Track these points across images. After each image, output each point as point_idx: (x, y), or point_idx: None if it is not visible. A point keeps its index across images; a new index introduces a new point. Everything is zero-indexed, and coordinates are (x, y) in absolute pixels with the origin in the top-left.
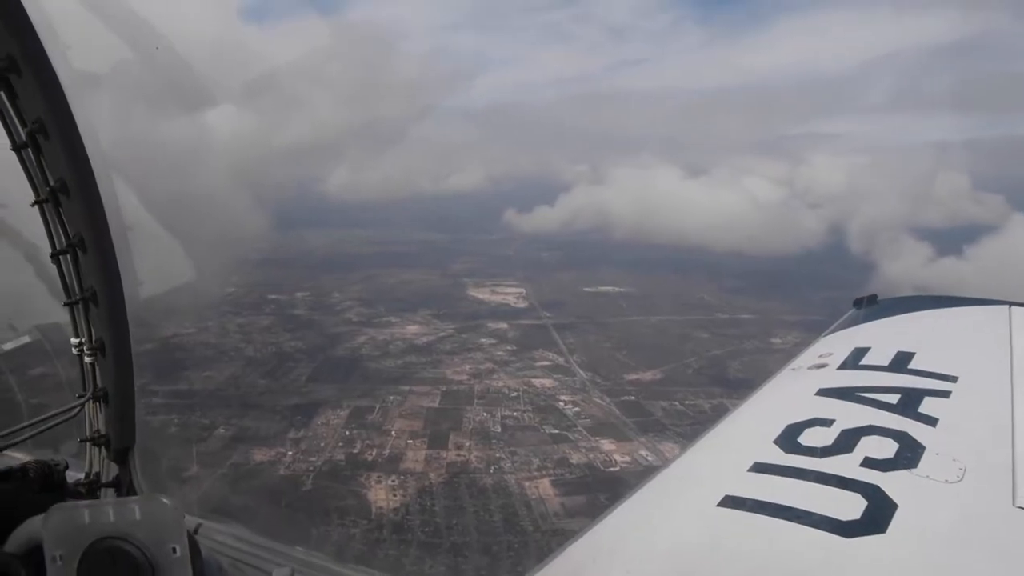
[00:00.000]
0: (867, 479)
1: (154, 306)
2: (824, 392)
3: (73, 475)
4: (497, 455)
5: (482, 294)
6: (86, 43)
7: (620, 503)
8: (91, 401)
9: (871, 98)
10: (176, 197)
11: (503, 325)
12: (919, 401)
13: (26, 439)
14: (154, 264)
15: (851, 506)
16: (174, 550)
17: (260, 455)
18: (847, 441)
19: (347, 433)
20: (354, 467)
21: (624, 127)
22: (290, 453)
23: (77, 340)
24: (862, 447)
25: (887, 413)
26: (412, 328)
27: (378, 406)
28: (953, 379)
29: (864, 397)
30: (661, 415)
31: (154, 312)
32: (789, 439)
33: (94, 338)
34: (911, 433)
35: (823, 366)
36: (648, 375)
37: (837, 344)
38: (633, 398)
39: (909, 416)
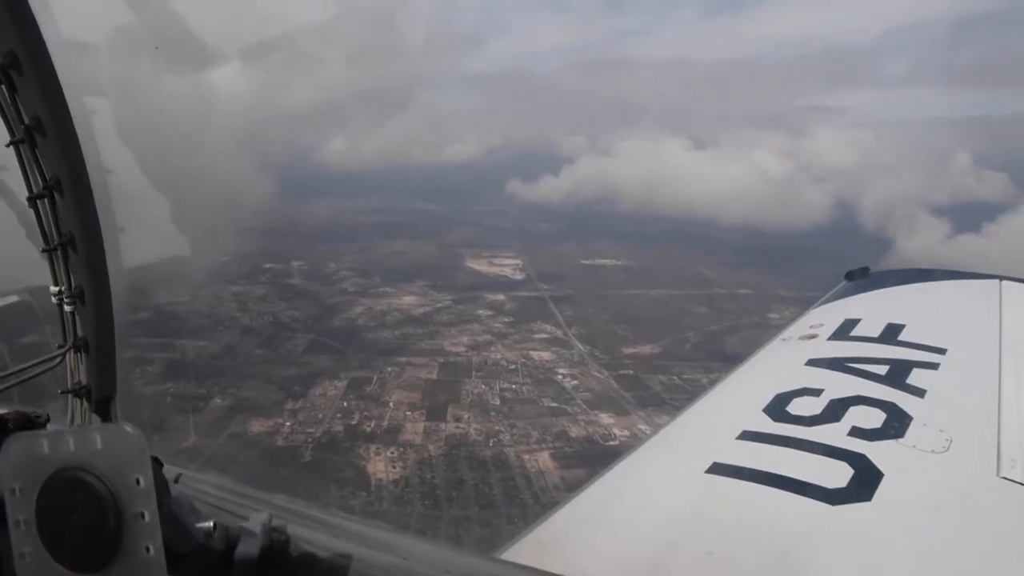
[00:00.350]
0: (854, 448)
1: (147, 275)
2: (814, 362)
3: (55, 427)
4: (496, 428)
5: (479, 265)
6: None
7: (609, 469)
8: (72, 351)
9: (879, 71)
10: (171, 160)
11: (500, 297)
12: (908, 372)
13: (6, 389)
14: (142, 222)
15: (838, 474)
16: (138, 481)
17: (258, 426)
18: (835, 411)
19: (345, 404)
20: (353, 438)
21: (628, 97)
22: (288, 424)
23: (56, 288)
24: (850, 417)
25: (876, 384)
26: (409, 299)
27: (376, 377)
28: (942, 351)
29: (853, 368)
30: (659, 389)
31: (148, 279)
32: (778, 408)
33: (73, 286)
34: (899, 404)
35: (813, 336)
36: (646, 349)
37: (828, 315)
38: (631, 372)
39: (897, 387)
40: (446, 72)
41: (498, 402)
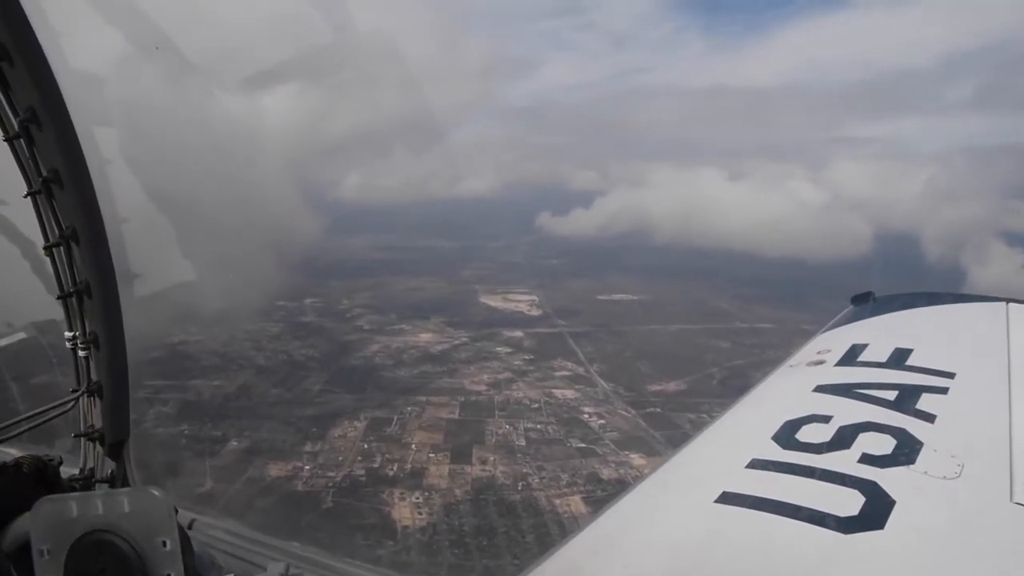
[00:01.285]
0: (865, 475)
1: (155, 304)
2: (822, 388)
3: (68, 471)
4: (524, 470)
5: (494, 301)
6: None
7: (618, 499)
8: (85, 395)
9: (935, 97)
10: (196, 197)
11: (518, 333)
12: (917, 397)
13: (20, 434)
14: (154, 260)
15: (849, 502)
16: (164, 543)
17: (276, 469)
18: (845, 437)
19: (365, 446)
20: (375, 482)
21: (657, 128)
22: (307, 467)
23: (71, 334)
24: (860, 443)
25: (885, 409)
26: (425, 336)
27: (396, 417)
28: (951, 376)
29: (862, 393)
30: (689, 428)
31: (163, 316)
32: (787, 435)
33: (88, 332)
34: (909, 430)
35: (821, 362)
36: (672, 386)
37: (835, 340)
38: (659, 410)
39: (907, 412)
40: (469, 106)
41: (524, 443)
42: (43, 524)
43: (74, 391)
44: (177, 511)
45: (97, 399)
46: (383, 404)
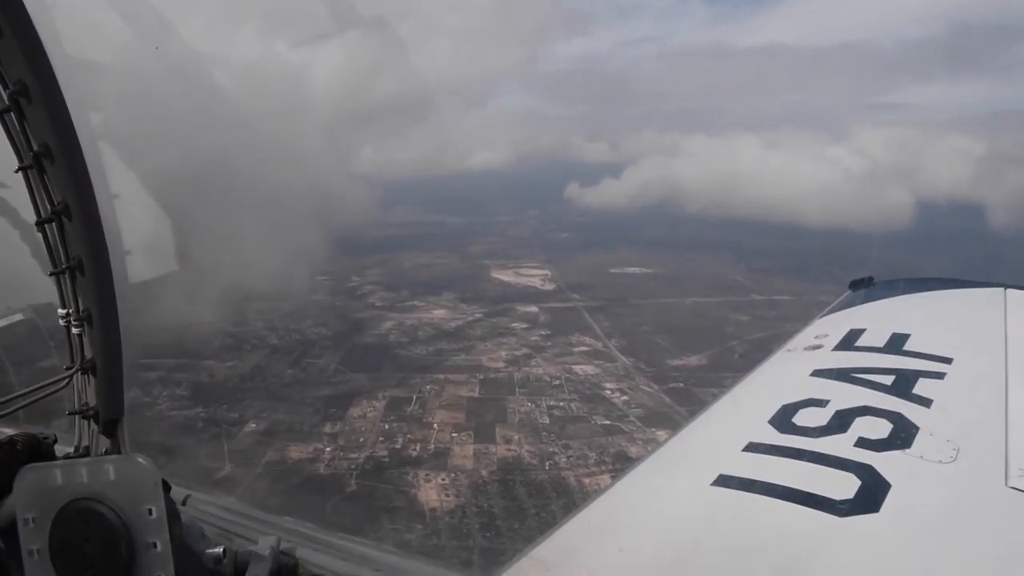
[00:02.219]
0: (861, 459)
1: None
2: (819, 373)
3: (62, 449)
4: (550, 449)
5: (506, 276)
6: None
7: (615, 482)
8: (79, 373)
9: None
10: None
11: (533, 308)
12: (914, 382)
13: (14, 411)
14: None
15: (845, 486)
16: (150, 511)
17: (296, 452)
18: (841, 421)
19: (386, 426)
20: (399, 464)
21: (694, 93)
22: (328, 449)
23: (64, 311)
24: (856, 427)
25: (882, 394)
26: (439, 312)
27: (415, 396)
28: (948, 361)
29: (859, 378)
30: None
31: (170, 297)
32: (784, 419)
33: (81, 309)
34: (905, 414)
35: (818, 347)
36: (693, 360)
37: (833, 325)
38: (682, 385)
39: (903, 397)
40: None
41: (547, 421)
42: (28, 492)
43: (68, 368)
44: (170, 487)
45: (91, 377)
46: (401, 383)
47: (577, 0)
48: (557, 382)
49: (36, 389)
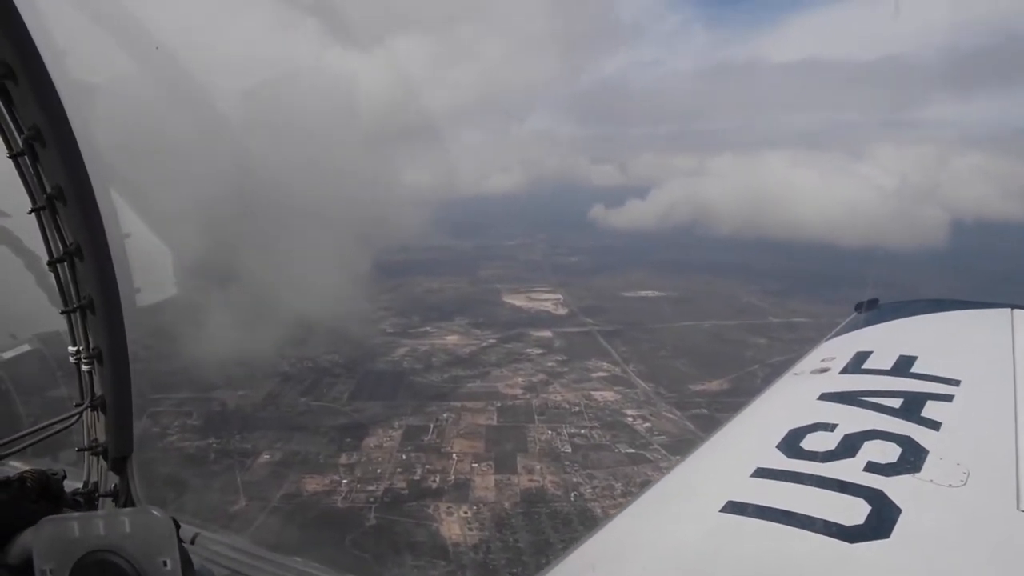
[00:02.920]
0: (870, 484)
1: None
2: (826, 396)
3: (71, 484)
4: (574, 479)
5: (518, 301)
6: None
7: (622, 509)
8: (89, 410)
9: None
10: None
11: (547, 333)
12: (922, 405)
13: (24, 448)
14: (152, 274)
15: (855, 511)
16: (165, 563)
17: (312, 484)
18: (850, 445)
19: (404, 457)
20: (419, 496)
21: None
22: (345, 481)
23: (75, 348)
24: (865, 451)
25: (890, 417)
26: (452, 338)
27: (432, 425)
28: (956, 383)
29: (867, 401)
30: None
31: (174, 325)
32: (792, 444)
33: (91, 346)
34: (914, 437)
35: (825, 370)
36: (714, 385)
37: (839, 348)
38: (705, 411)
39: (912, 420)
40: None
41: (569, 449)
42: (46, 544)
43: (77, 405)
44: (180, 526)
45: (100, 413)
46: (417, 411)
47: (595, 22)
48: (576, 409)
49: (46, 426)
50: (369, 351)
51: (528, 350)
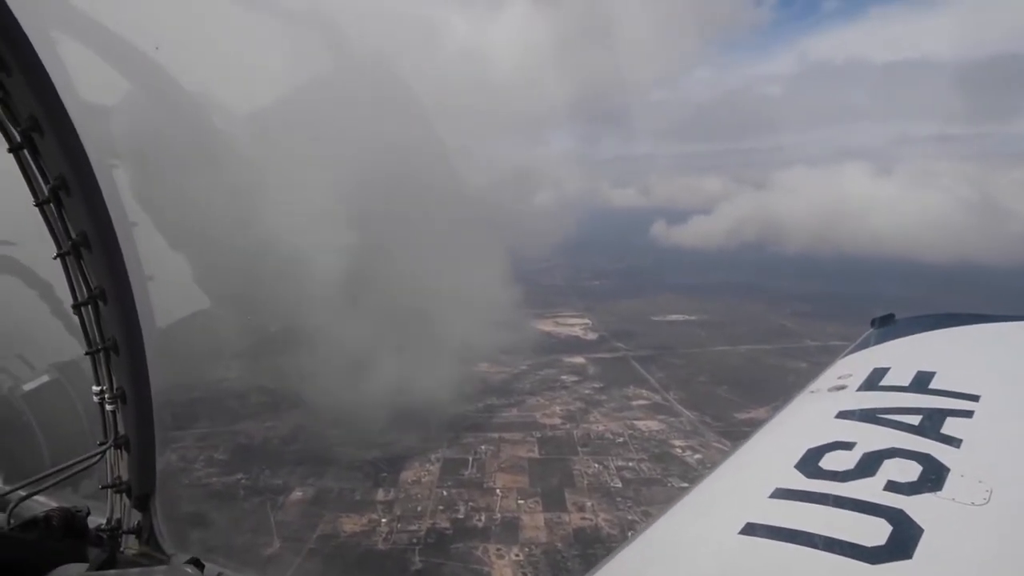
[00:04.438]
0: (891, 503)
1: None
2: (844, 415)
3: (95, 520)
4: (629, 517)
5: (546, 326)
6: None
7: (639, 533)
8: (113, 448)
9: None
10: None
11: (579, 359)
12: (942, 421)
13: (48, 488)
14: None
15: (876, 531)
16: None
17: (349, 524)
18: (869, 464)
19: (444, 493)
20: (464, 536)
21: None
22: (384, 520)
23: (98, 388)
24: (885, 470)
25: (909, 435)
26: (482, 365)
27: (471, 458)
28: (975, 398)
29: (885, 419)
30: None
31: (196, 355)
32: (810, 464)
33: (115, 387)
34: (935, 455)
35: (842, 388)
36: (762, 412)
37: (856, 365)
38: None
39: (932, 437)
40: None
41: (619, 484)
42: None
43: (101, 444)
44: (204, 567)
45: (124, 452)
46: (453, 443)
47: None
48: (621, 439)
49: (70, 465)
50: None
51: (563, 377)
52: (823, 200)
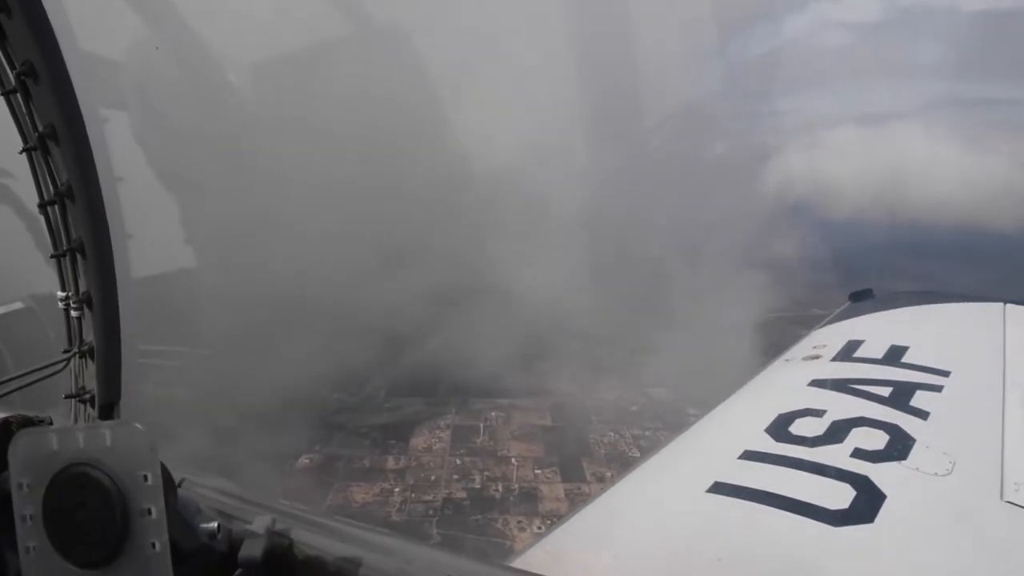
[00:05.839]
0: (857, 470)
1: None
2: (817, 383)
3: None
4: None
5: None
6: None
7: (610, 487)
8: (77, 356)
9: None
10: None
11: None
12: (911, 394)
13: (9, 393)
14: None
15: (840, 495)
16: (145, 478)
17: (361, 493)
18: (838, 432)
19: (457, 462)
20: (482, 508)
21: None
22: (397, 489)
23: (63, 294)
24: (852, 438)
25: (879, 405)
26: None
27: (482, 425)
28: (946, 374)
29: (856, 389)
30: None
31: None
32: (780, 428)
33: (81, 292)
34: (902, 426)
35: (816, 357)
36: None
37: (831, 336)
38: None
39: (901, 409)
40: None
41: (637, 454)
42: (21, 457)
43: (65, 352)
44: (164, 467)
45: (89, 360)
46: (462, 409)
47: None
48: (635, 407)
49: (32, 371)
50: (400, 342)
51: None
52: (877, 162)
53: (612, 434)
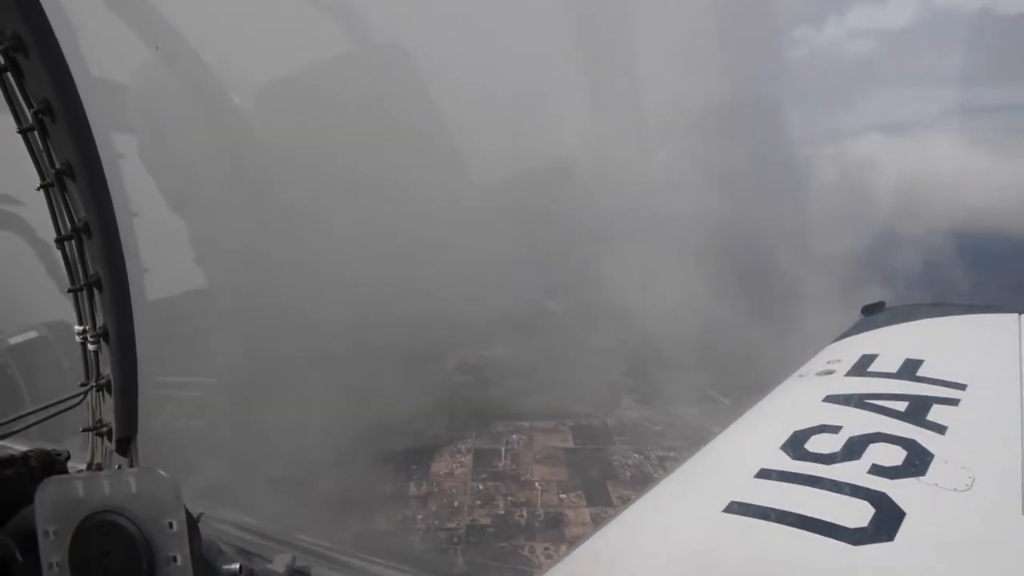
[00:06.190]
0: (875, 487)
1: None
2: (831, 399)
3: (75, 466)
4: None
5: None
6: None
7: (625, 508)
8: (94, 390)
9: None
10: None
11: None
12: (927, 409)
13: (28, 427)
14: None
15: (858, 513)
16: (171, 525)
17: (383, 521)
18: (855, 448)
19: (480, 487)
20: (507, 535)
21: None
22: (420, 517)
23: (80, 327)
24: (870, 454)
25: (895, 420)
26: (500, 348)
27: (503, 448)
28: (962, 387)
29: (872, 404)
30: None
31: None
32: (796, 445)
33: (98, 326)
34: (919, 441)
35: (830, 372)
36: None
37: (845, 350)
38: None
39: (917, 424)
40: None
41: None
42: (48, 505)
43: (83, 385)
44: (188, 511)
45: (106, 394)
46: (482, 432)
47: None
48: (658, 427)
49: (50, 405)
50: (414, 363)
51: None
52: (907, 170)
53: (637, 456)
